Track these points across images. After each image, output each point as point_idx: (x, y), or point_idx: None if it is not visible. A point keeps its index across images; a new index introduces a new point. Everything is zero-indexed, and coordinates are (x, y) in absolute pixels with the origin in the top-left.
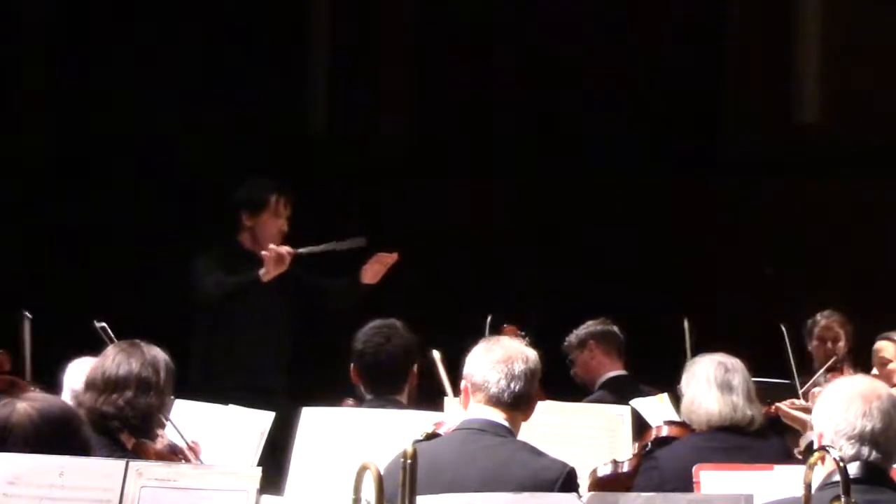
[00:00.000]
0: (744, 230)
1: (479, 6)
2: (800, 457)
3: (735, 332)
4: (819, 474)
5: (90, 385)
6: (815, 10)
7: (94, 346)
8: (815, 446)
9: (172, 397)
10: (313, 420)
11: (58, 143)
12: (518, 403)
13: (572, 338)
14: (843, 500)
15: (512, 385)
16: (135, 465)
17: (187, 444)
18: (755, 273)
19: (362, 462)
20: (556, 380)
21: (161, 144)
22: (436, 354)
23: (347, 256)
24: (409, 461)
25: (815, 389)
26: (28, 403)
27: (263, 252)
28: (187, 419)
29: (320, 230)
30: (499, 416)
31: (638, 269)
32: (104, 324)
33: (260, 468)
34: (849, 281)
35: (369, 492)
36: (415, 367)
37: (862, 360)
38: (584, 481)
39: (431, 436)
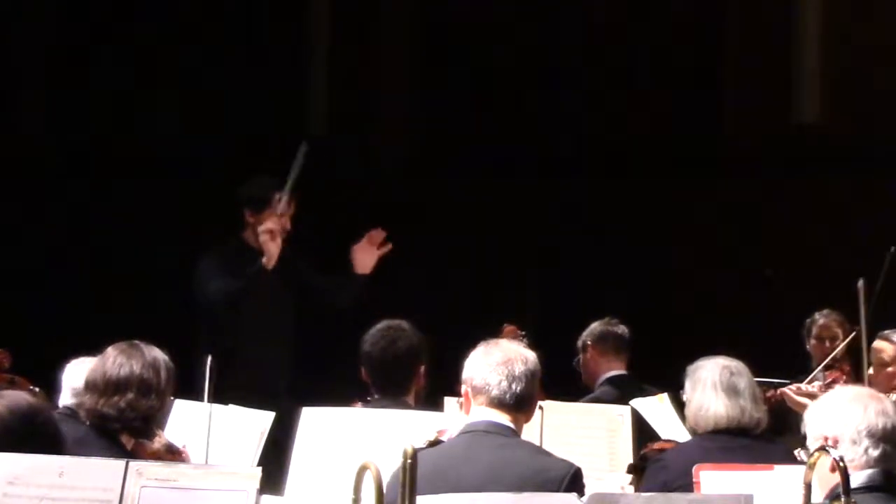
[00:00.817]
0: (744, 230)
1: (479, 6)
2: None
3: (735, 332)
4: (826, 482)
5: (90, 386)
6: (815, 10)
7: (92, 346)
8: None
9: (172, 398)
10: (313, 420)
11: (58, 143)
12: (520, 404)
13: (579, 341)
14: (843, 500)
15: (513, 386)
16: (135, 465)
17: (179, 450)
18: (755, 273)
19: (362, 462)
20: (557, 380)
21: (161, 144)
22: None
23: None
24: (409, 461)
25: (815, 383)
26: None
27: (261, 237)
28: (187, 419)
29: (320, 230)
30: (502, 418)
31: (638, 268)
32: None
33: (260, 468)
34: (849, 281)
35: (369, 492)
36: (422, 368)
37: (861, 359)
38: (586, 481)
39: (435, 443)
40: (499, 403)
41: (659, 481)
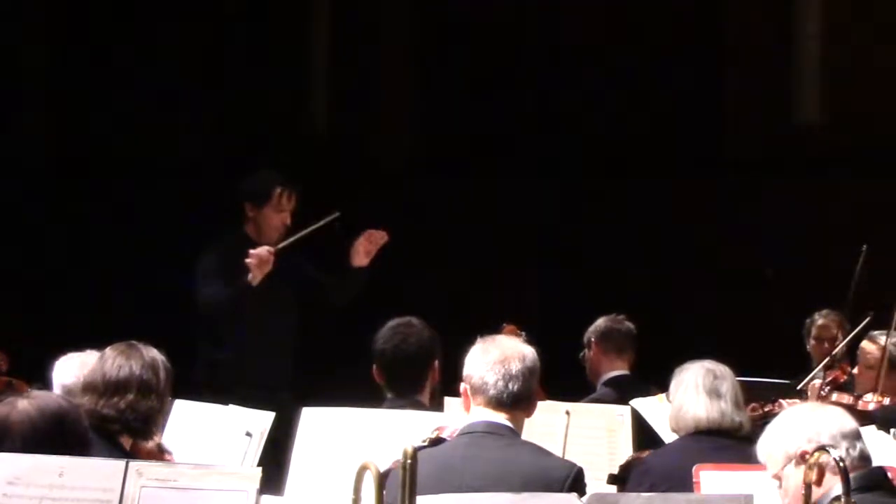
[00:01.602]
0: (744, 230)
1: (480, 6)
2: None
3: (735, 331)
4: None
5: (89, 387)
6: (815, 10)
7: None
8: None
9: (171, 398)
10: (313, 420)
11: (58, 143)
12: (518, 403)
13: (584, 337)
14: (843, 500)
15: (510, 386)
16: (135, 465)
17: (167, 450)
18: (755, 273)
19: (362, 462)
20: (557, 379)
21: (161, 144)
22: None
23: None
24: (409, 461)
25: (816, 381)
26: (28, 401)
27: (247, 260)
28: (187, 419)
29: (320, 230)
30: (501, 418)
31: (638, 268)
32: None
33: (260, 468)
34: (849, 281)
35: (369, 492)
36: (436, 364)
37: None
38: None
39: (435, 441)
40: (496, 403)
41: (644, 485)
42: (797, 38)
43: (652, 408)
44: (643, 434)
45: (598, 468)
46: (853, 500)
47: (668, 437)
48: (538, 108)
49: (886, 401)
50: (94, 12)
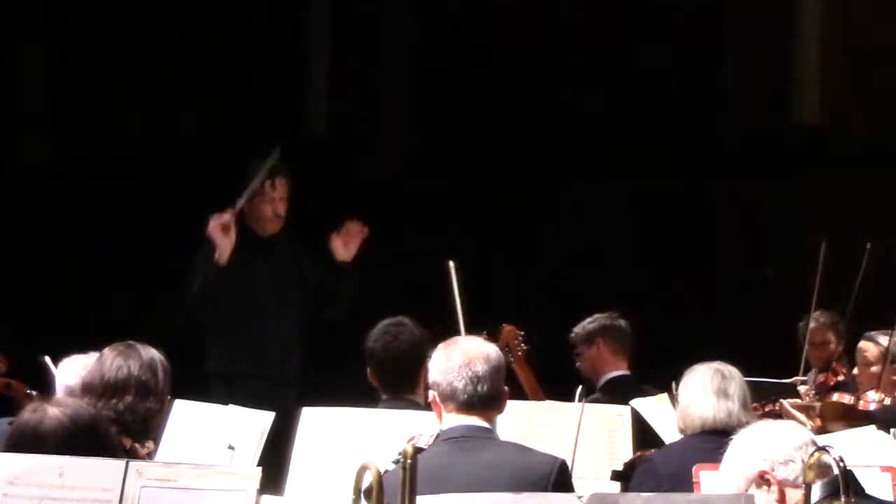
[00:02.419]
0: (744, 230)
1: (479, 6)
2: None
3: (735, 332)
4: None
5: (88, 389)
6: (814, 10)
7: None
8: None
9: (169, 398)
10: (313, 420)
11: (58, 143)
12: (488, 403)
13: (580, 330)
14: (842, 499)
15: (479, 388)
16: (135, 465)
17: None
18: (755, 273)
19: (362, 462)
20: (556, 379)
21: (161, 144)
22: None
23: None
24: (408, 461)
25: (801, 387)
26: (59, 409)
27: (209, 229)
28: (187, 419)
29: (320, 230)
30: (475, 420)
31: (638, 268)
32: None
33: (260, 468)
34: (849, 280)
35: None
36: (428, 364)
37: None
38: (585, 481)
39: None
40: (468, 407)
41: (648, 484)
42: (797, 38)
43: (652, 408)
44: (643, 434)
45: (599, 468)
46: (853, 500)
47: (669, 437)
48: (538, 108)
49: (887, 401)
50: (95, 12)
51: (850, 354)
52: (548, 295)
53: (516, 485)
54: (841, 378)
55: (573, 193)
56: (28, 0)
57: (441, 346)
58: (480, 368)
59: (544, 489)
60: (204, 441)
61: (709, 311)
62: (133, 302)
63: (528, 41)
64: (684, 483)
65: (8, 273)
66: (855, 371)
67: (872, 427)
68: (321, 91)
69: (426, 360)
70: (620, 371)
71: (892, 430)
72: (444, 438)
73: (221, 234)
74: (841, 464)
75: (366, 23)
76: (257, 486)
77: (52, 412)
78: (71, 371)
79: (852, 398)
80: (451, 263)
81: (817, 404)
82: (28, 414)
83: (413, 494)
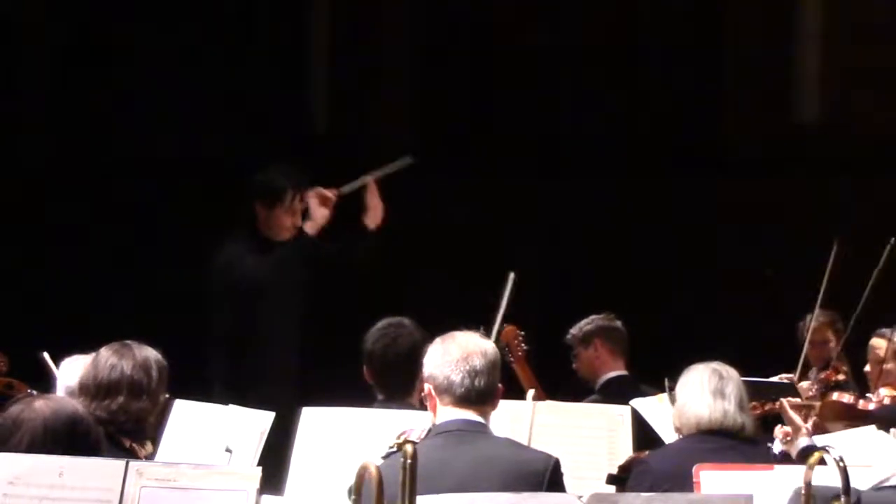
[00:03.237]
0: (744, 230)
1: (479, 6)
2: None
3: (735, 332)
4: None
5: (83, 389)
6: (814, 9)
7: (88, 346)
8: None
9: (166, 395)
10: (313, 420)
11: (58, 143)
12: (485, 399)
13: (577, 331)
14: (842, 499)
15: (476, 382)
16: (135, 465)
17: None
18: (755, 273)
19: (362, 462)
20: (556, 379)
21: (161, 144)
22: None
23: None
24: (409, 461)
25: (804, 384)
26: (43, 402)
27: (298, 204)
28: (187, 419)
29: (320, 230)
30: (470, 415)
31: (637, 268)
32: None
33: (260, 468)
34: (849, 280)
35: (369, 492)
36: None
37: (858, 356)
38: (585, 481)
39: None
40: (464, 401)
41: (644, 485)
42: (797, 38)
43: (652, 408)
44: (643, 434)
45: (598, 468)
46: (853, 500)
47: (669, 437)
48: (538, 107)
49: (886, 400)
50: (95, 12)
51: (849, 353)
52: (548, 295)
53: (510, 480)
54: (841, 377)
55: (573, 193)
56: (29, 1)
57: (438, 340)
58: (478, 363)
59: (539, 486)
60: (204, 441)
61: (709, 311)
62: (132, 302)
63: (528, 41)
64: (681, 484)
65: (8, 273)
66: (867, 368)
67: (872, 427)
68: (321, 91)
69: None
70: (618, 371)
71: (892, 430)
72: (439, 432)
73: (317, 203)
74: (841, 464)
75: (366, 22)
76: (257, 486)
77: (37, 404)
78: (71, 371)
79: (852, 398)
80: (512, 274)
81: (816, 404)
82: (14, 405)
83: (413, 495)
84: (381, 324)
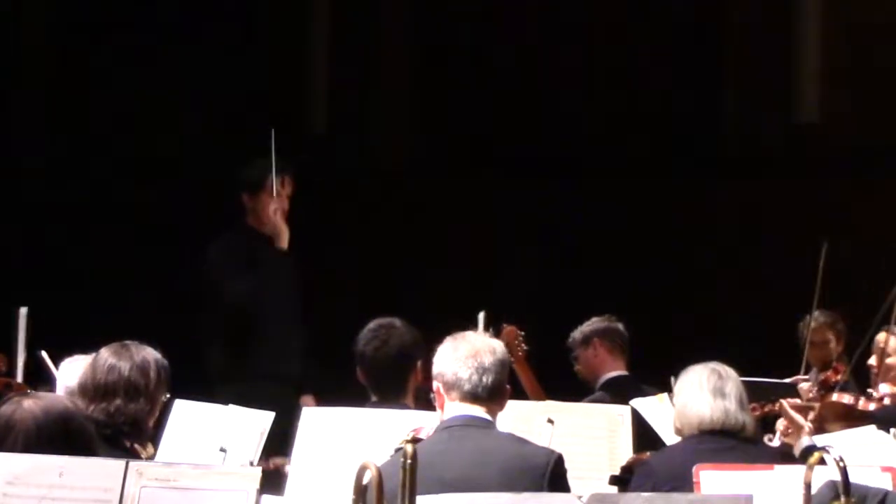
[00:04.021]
0: (744, 230)
1: (479, 6)
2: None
3: (735, 332)
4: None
5: (82, 391)
6: (814, 9)
7: (90, 345)
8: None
9: (167, 396)
10: (313, 420)
11: (58, 143)
12: (493, 395)
13: (577, 334)
14: (842, 499)
15: (484, 378)
16: (135, 465)
17: None
18: (755, 273)
19: (362, 462)
20: (556, 379)
21: (161, 144)
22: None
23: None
24: (409, 461)
25: (804, 384)
26: (33, 401)
27: (270, 219)
28: (187, 419)
29: (319, 229)
30: (478, 411)
31: (637, 268)
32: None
33: (260, 468)
34: (849, 280)
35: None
36: (419, 365)
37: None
38: (585, 481)
39: (413, 442)
40: (472, 397)
41: (647, 487)
42: (797, 38)
43: (652, 408)
44: (643, 434)
45: (598, 468)
46: (853, 500)
47: (669, 437)
48: (538, 108)
49: (886, 400)
50: (94, 12)
51: (850, 354)
52: (548, 295)
53: (512, 474)
54: (841, 377)
55: (572, 193)
56: (28, 1)
57: (448, 338)
58: (486, 360)
59: (540, 478)
60: (204, 441)
61: (709, 311)
62: (133, 302)
63: (528, 41)
64: (683, 485)
65: (8, 273)
66: (871, 361)
67: (872, 427)
68: (321, 91)
69: (416, 364)
70: (619, 371)
71: (892, 430)
72: (444, 427)
73: (282, 221)
74: (841, 464)
75: (366, 22)
76: (257, 486)
77: (27, 404)
78: (71, 372)
79: (852, 398)
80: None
81: (817, 404)
82: (4, 406)
83: (413, 495)
84: (372, 325)
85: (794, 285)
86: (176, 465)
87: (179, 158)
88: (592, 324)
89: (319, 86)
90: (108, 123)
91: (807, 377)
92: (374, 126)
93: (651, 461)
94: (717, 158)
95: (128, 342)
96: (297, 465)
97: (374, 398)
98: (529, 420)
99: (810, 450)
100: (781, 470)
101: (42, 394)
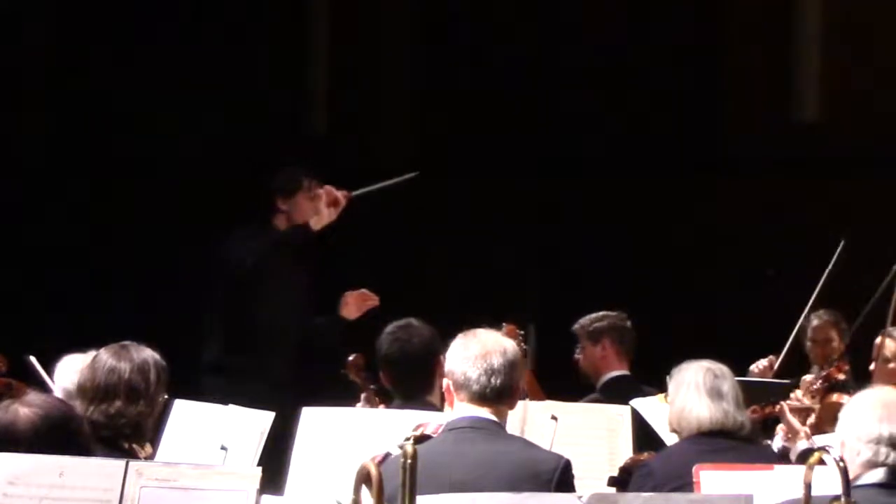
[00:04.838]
0: (744, 230)
1: (480, 6)
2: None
3: (735, 332)
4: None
5: (81, 392)
6: (815, 9)
7: (87, 345)
8: (838, 454)
9: (165, 396)
10: (313, 420)
11: (58, 143)
12: (501, 397)
13: (587, 323)
14: (843, 500)
15: (493, 380)
16: (135, 465)
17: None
18: (756, 273)
19: (362, 462)
20: (556, 379)
21: (161, 144)
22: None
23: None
24: (409, 461)
25: (806, 377)
26: (28, 407)
27: (318, 190)
28: (187, 419)
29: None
30: (485, 413)
31: (637, 268)
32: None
33: (260, 468)
34: (849, 280)
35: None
36: (441, 360)
37: (861, 357)
38: (585, 481)
39: (419, 439)
40: (480, 398)
41: (647, 488)
42: (797, 38)
43: (652, 408)
44: (643, 434)
45: (598, 468)
46: (853, 500)
47: (669, 437)
48: (538, 108)
49: None
50: (95, 12)
51: (854, 354)
52: (548, 295)
53: (518, 478)
54: (842, 376)
55: (573, 193)
56: (28, 1)
57: (460, 336)
58: (496, 361)
59: (547, 484)
60: (203, 441)
61: (709, 311)
62: (132, 302)
63: (529, 41)
64: (682, 487)
65: (8, 273)
66: (872, 367)
67: None
68: (321, 91)
69: (439, 358)
70: (621, 371)
71: None
72: (451, 428)
73: (328, 202)
74: (841, 464)
75: (366, 22)
76: (257, 486)
77: (23, 411)
78: (67, 372)
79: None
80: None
81: (817, 406)
82: (1, 413)
83: (413, 495)
84: (389, 328)
85: (795, 285)
86: (176, 465)
87: (178, 158)
88: (605, 319)
89: (319, 86)
90: (107, 124)
91: (809, 378)
92: (374, 126)
93: (651, 461)
94: (717, 158)
95: (126, 343)
96: (297, 465)
97: (397, 400)
98: (532, 417)
99: (808, 452)
100: (781, 470)
101: (39, 396)
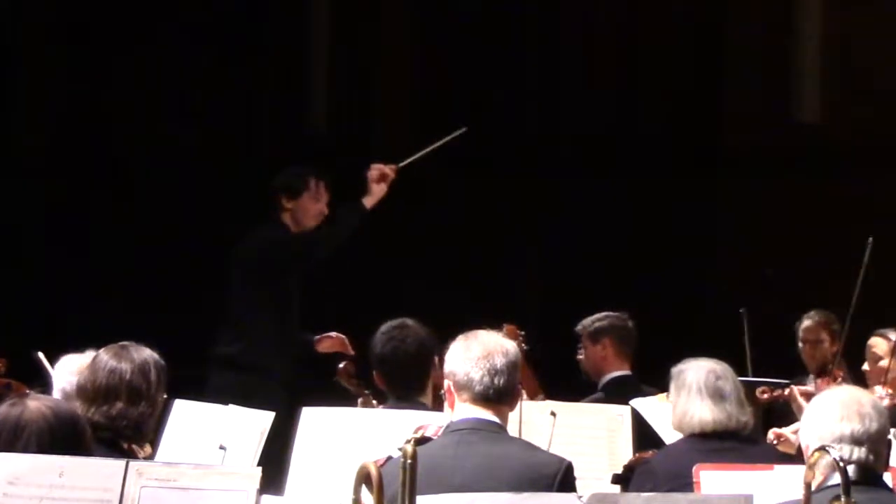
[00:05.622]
0: (744, 230)
1: (480, 6)
2: None
3: (734, 332)
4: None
5: (81, 393)
6: (815, 9)
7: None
8: (805, 457)
9: (164, 396)
10: (313, 420)
11: (58, 143)
12: (503, 398)
13: (588, 324)
14: (843, 500)
15: (495, 381)
16: (135, 465)
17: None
18: (755, 273)
19: (362, 462)
20: (556, 379)
21: (161, 144)
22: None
23: None
24: (409, 461)
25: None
26: (40, 402)
27: (369, 172)
28: (187, 419)
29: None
30: (487, 414)
31: (637, 268)
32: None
33: (260, 468)
34: (848, 280)
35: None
36: (436, 361)
37: (856, 358)
38: (585, 481)
39: (420, 441)
40: (482, 399)
41: (647, 486)
42: (797, 38)
43: (652, 408)
44: (643, 434)
45: (598, 468)
46: (853, 500)
47: (669, 437)
48: (538, 107)
49: (886, 401)
50: (95, 12)
51: (849, 357)
52: (548, 294)
53: (520, 481)
54: (839, 382)
55: (573, 192)
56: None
57: (461, 337)
58: (499, 362)
59: (549, 488)
60: (203, 441)
61: (708, 311)
62: (133, 302)
63: (529, 41)
64: (683, 485)
65: (8, 273)
66: (865, 367)
67: None
68: (321, 90)
69: (434, 359)
70: (622, 371)
71: (892, 430)
72: (453, 429)
73: (376, 178)
74: (841, 464)
75: (366, 22)
76: (257, 486)
77: (34, 405)
78: (66, 373)
79: None
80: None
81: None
82: (6, 407)
83: (413, 495)
84: (384, 327)
85: (795, 285)
86: (176, 465)
87: (178, 158)
88: (606, 319)
89: (319, 86)
90: (107, 124)
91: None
92: (374, 126)
93: (651, 461)
94: (717, 158)
95: (126, 343)
96: (297, 465)
97: (390, 400)
98: (530, 415)
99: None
100: (781, 470)
101: (44, 397)
